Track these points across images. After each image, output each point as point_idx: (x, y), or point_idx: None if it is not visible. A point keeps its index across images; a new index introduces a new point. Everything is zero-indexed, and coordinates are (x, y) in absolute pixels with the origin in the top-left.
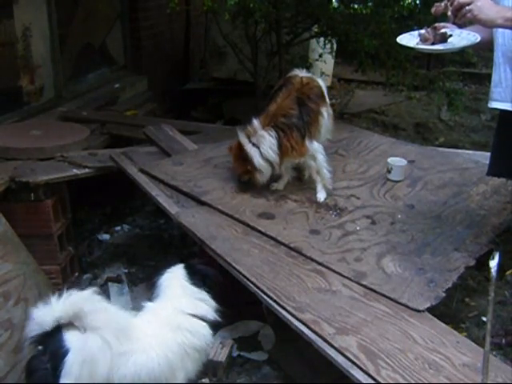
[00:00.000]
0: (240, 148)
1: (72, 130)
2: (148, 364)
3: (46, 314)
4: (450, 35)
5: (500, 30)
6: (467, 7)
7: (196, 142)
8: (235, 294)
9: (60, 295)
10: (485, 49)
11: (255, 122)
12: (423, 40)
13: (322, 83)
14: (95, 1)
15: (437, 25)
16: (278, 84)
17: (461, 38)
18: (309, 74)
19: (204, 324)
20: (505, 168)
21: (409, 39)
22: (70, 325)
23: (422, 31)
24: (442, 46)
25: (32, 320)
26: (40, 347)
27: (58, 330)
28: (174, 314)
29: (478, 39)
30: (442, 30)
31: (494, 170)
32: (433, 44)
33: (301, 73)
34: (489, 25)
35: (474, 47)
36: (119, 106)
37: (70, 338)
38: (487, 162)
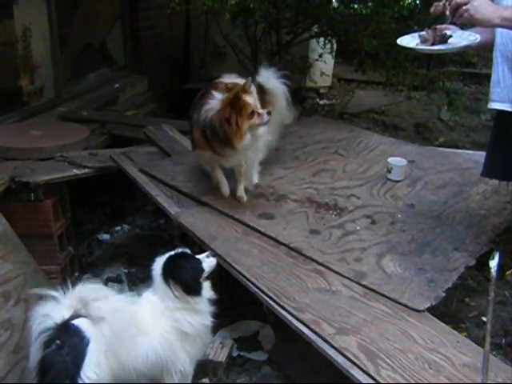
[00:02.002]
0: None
1: (72, 130)
2: (152, 344)
3: (53, 308)
4: (450, 36)
5: (499, 29)
6: (464, 7)
7: None
8: (235, 293)
9: (63, 291)
10: (487, 49)
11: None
12: (423, 41)
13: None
14: (95, 1)
15: (438, 26)
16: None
17: (461, 38)
18: (236, 80)
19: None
20: (499, 170)
21: (409, 40)
22: (77, 316)
23: (423, 33)
24: (442, 47)
25: (39, 316)
26: (58, 342)
27: (70, 323)
28: (157, 303)
29: (478, 39)
30: (443, 32)
31: (489, 171)
32: (433, 45)
33: (229, 78)
34: (486, 24)
35: (477, 48)
36: (119, 105)
37: (86, 327)
38: None
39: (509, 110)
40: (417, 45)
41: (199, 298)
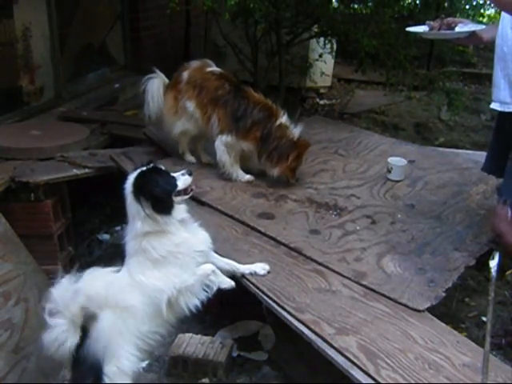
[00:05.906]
0: None
1: (72, 130)
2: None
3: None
4: (457, 25)
5: (499, 32)
6: None
7: None
8: (234, 294)
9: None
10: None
11: None
12: (431, 29)
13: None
14: (95, 1)
15: (447, 19)
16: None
17: (467, 27)
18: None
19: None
20: (496, 167)
21: (417, 29)
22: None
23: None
24: (448, 31)
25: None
26: None
27: None
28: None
29: (484, 27)
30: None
31: (487, 166)
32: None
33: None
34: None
35: (485, 41)
36: (119, 105)
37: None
38: None
39: (499, 109)
40: (424, 31)
41: (168, 218)
